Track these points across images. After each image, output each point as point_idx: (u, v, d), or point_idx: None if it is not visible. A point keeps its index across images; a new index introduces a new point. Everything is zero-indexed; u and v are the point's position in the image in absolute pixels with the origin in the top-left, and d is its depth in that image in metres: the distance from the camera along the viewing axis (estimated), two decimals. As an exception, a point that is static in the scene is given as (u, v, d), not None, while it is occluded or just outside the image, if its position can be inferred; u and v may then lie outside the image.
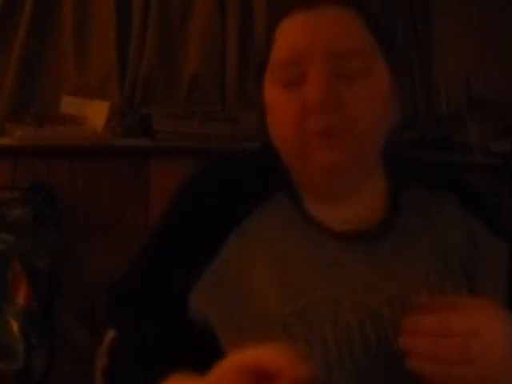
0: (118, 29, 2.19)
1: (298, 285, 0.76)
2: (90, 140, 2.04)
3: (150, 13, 2.20)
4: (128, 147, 2.07)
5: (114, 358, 0.81)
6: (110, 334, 0.85)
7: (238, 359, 0.65)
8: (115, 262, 1.91)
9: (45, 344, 1.72)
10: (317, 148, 0.76)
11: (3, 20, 2.10)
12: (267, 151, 0.88)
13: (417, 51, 2.46)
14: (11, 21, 2.10)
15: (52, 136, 2.00)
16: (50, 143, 2.00)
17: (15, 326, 1.62)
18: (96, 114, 2.10)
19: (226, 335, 0.75)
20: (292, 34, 0.80)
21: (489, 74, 2.47)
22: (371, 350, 0.73)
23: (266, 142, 0.85)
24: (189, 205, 0.83)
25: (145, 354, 0.77)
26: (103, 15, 2.19)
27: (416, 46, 2.47)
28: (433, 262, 0.81)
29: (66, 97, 2.13)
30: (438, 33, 2.52)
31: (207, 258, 0.77)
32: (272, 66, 0.81)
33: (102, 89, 2.18)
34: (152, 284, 0.80)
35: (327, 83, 0.75)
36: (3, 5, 2.09)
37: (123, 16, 2.21)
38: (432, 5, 2.53)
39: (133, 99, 2.19)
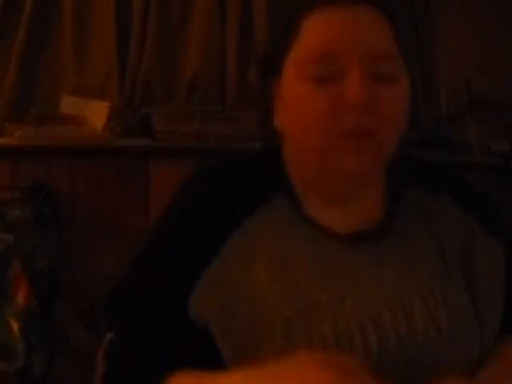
0: (118, 29, 2.19)
1: (298, 286, 0.75)
2: (90, 140, 2.04)
3: (150, 13, 2.20)
4: (128, 147, 2.07)
5: (113, 360, 0.81)
6: (109, 335, 0.84)
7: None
8: (115, 262, 1.92)
9: (45, 344, 1.72)
10: (344, 150, 0.74)
11: (3, 20, 2.10)
12: (268, 151, 0.88)
13: (417, 51, 2.46)
14: (11, 21, 2.10)
15: (52, 136, 2.00)
16: (50, 143, 2.00)
17: (15, 326, 1.62)
18: (96, 114, 2.10)
19: (225, 336, 0.75)
20: (328, 29, 0.76)
21: (489, 74, 2.47)
22: (371, 352, 0.73)
23: (267, 143, 0.84)
24: (189, 205, 0.82)
25: (145, 355, 0.77)
26: (103, 15, 2.19)
27: (416, 45, 2.47)
28: (433, 263, 0.81)
29: (66, 97, 2.13)
30: (439, 33, 2.52)
31: (207, 258, 0.77)
32: (300, 60, 0.77)
33: (102, 89, 2.18)
34: (152, 284, 0.80)
35: (366, 83, 0.73)
36: (3, 5, 2.09)
37: (123, 16, 2.21)
38: (432, 5, 2.53)
39: (133, 99, 2.19)
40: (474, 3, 2.52)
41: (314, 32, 0.77)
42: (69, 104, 2.11)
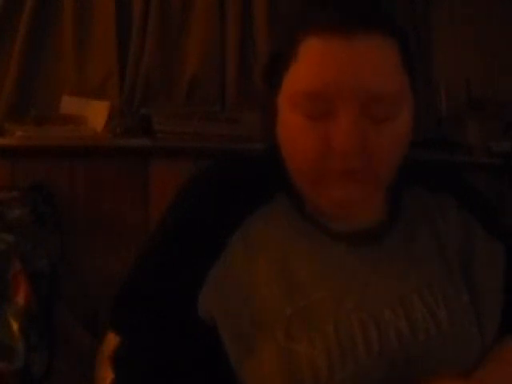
0: (117, 29, 2.19)
1: (299, 285, 0.76)
2: (90, 140, 2.04)
3: (150, 13, 2.20)
4: (128, 147, 2.07)
5: (121, 366, 0.80)
6: (112, 339, 0.84)
7: None
8: (115, 262, 1.92)
9: (45, 344, 1.72)
10: (334, 184, 0.75)
11: (3, 20, 2.10)
12: (268, 151, 0.88)
13: (417, 51, 2.46)
14: (11, 21, 2.10)
15: (52, 136, 2.00)
16: (50, 143, 2.00)
17: (15, 326, 1.62)
18: (96, 114, 2.10)
19: (230, 336, 0.75)
20: (323, 63, 0.71)
21: (489, 74, 2.47)
22: (373, 351, 0.73)
23: (268, 143, 0.84)
24: (191, 206, 0.82)
25: (153, 359, 0.77)
26: (103, 15, 2.19)
27: (416, 46, 2.47)
28: (433, 263, 0.81)
29: (66, 97, 2.13)
30: (438, 33, 2.52)
31: (210, 259, 0.77)
32: (293, 92, 0.75)
33: (102, 89, 2.18)
34: (156, 287, 0.79)
35: (356, 127, 0.71)
36: (3, 5, 2.08)
37: (123, 16, 2.21)
38: (432, 5, 2.53)
39: (133, 99, 2.19)
40: (473, 3, 2.52)
41: (309, 64, 0.73)
42: (69, 104, 2.11)
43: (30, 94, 2.12)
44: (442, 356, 0.76)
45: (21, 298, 1.66)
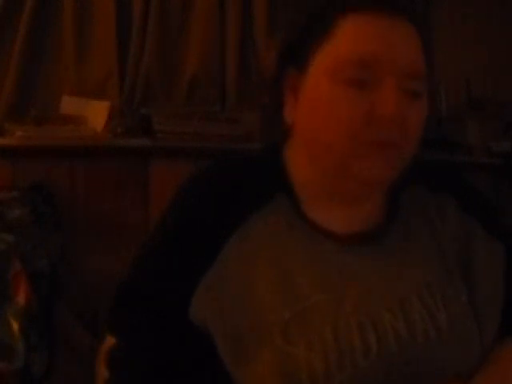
0: (117, 29, 2.19)
1: (297, 288, 0.75)
2: (90, 140, 2.04)
3: (150, 13, 2.20)
4: (128, 147, 2.07)
5: (115, 366, 0.80)
6: (109, 340, 0.84)
7: None
8: (115, 262, 1.91)
9: (45, 344, 1.72)
10: (369, 157, 0.75)
11: (3, 20, 2.10)
12: (267, 151, 0.88)
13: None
14: (11, 21, 2.10)
15: (52, 136, 2.00)
16: (50, 143, 2.00)
17: (15, 326, 1.62)
18: (96, 114, 2.10)
19: (225, 339, 0.75)
20: (367, 35, 0.76)
21: (489, 74, 2.47)
22: (371, 354, 0.73)
23: (268, 142, 0.84)
24: (189, 207, 0.82)
25: (148, 360, 0.77)
26: (103, 15, 2.19)
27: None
28: (432, 264, 0.81)
29: (66, 97, 2.13)
30: (438, 33, 2.51)
31: (208, 260, 0.77)
32: (337, 61, 0.76)
33: (102, 89, 2.18)
34: (153, 288, 0.79)
35: (399, 97, 0.74)
36: (3, 5, 2.09)
37: (123, 16, 2.21)
38: (432, 5, 2.53)
39: (133, 99, 2.19)
40: (473, 3, 2.52)
41: (353, 36, 0.76)
42: (69, 104, 2.11)
43: (30, 94, 2.12)
44: (441, 357, 0.76)
45: (21, 298, 1.66)
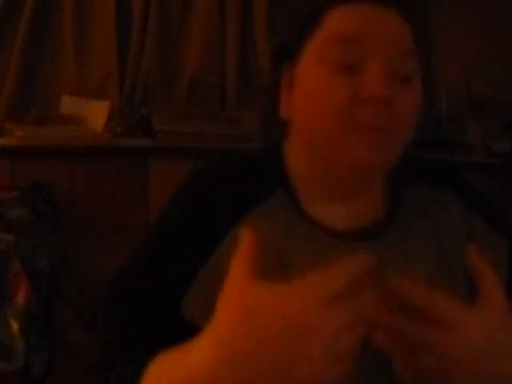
0: (117, 29, 2.19)
1: None
2: (90, 140, 2.05)
3: (150, 13, 2.20)
4: (128, 147, 2.07)
5: (106, 365, 0.79)
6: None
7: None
8: (115, 262, 1.91)
9: (45, 344, 1.72)
10: (355, 141, 0.74)
11: (3, 20, 2.10)
12: (267, 150, 0.88)
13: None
14: (11, 21, 2.10)
15: (52, 136, 2.00)
16: (50, 143, 2.00)
17: (15, 326, 1.62)
18: (96, 114, 2.10)
19: None
20: (351, 16, 0.76)
21: (489, 74, 2.47)
22: (370, 351, 0.73)
23: (267, 142, 0.84)
24: (188, 204, 0.82)
25: (132, 351, 0.76)
26: (103, 15, 2.19)
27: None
28: (433, 260, 0.81)
29: (66, 97, 2.13)
30: (438, 32, 2.52)
31: (205, 258, 0.77)
32: (322, 42, 0.76)
33: (102, 89, 2.18)
34: (147, 285, 0.79)
35: (386, 77, 0.73)
36: (3, 5, 2.09)
37: (123, 16, 2.21)
38: (432, 5, 2.53)
39: (133, 99, 2.19)
40: (473, 4, 2.52)
41: (338, 19, 0.76)
42: (69, 104, 2.11)
43: (30, 94, 2.12)
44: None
45: (21, 298, 1.66)
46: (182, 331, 0.74)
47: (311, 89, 0.77)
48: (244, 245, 0.62)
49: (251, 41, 2.29)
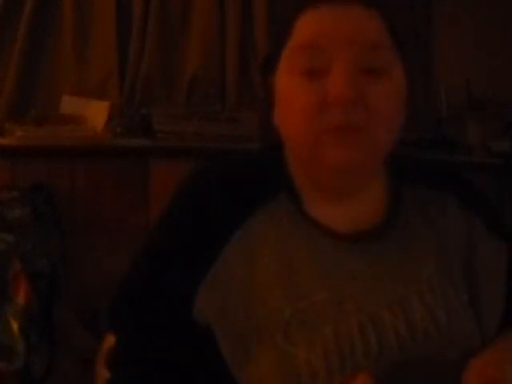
0: (117, 29, 2.20)
1: (299, 286, 0.75)
2: (90, 140, 2.05)
3: (150, 13, 2.20)
4: (128, 147, 2.07)
5: (116, 366, 0.80)
6: (109, 340, 0.84)
7: None
8: (115, 262, 1.91)
9: (45, 344, 1.72)
10: (330, 145, 0.73)
11: (3, 20, 2.10)
12: (268, 151, 0.88)
13: (417, 51, 2.46)
14: (11, 21, 2.10)
15: (52, 136, 2.00)
16: (50, 143, 2.00)
17: (15, 326, 1.62)
18: (96, 113, 2.10)
19: (227, 337, 0.75)
20: (316, 22, 0.76)
21: (489, 74, 2.47)
22: (371, 354, 0.73)
23: (268, 142, 0.84)
24: (190, 206, 0.82)
25: (149, 360, 0.77)
26: (103, 15, 2.19)
27: (416, 45, 2.47)
28: (433, 262, 0.81)
29: (66, 97, 2.13)
30: (439, 33, 2.52)
31: (210, 259, 0.77)
32: (291, 50, 0.77)
33: (102, 89, 2.18)
34: (155, 288, 0.79)
35: (352, 77, 0.72)
36: (3, 5, 2.09)
37: (123, 16, 2.22)
38: (433, 5, 2.53)
39: (133, 99, 2.19)
40: (474, 3, 2.52)
41: (304, 26, 0.77)
42: (69, 104, 2.11)
43: (30, 94, 2.12)
44: (441, 357, 0.76)
45: (21, 298, 1.66)
46: (191, 332, 0.75)
47: (284, 96, 0.78)
48: None
49: (251, 41, 2.29)
